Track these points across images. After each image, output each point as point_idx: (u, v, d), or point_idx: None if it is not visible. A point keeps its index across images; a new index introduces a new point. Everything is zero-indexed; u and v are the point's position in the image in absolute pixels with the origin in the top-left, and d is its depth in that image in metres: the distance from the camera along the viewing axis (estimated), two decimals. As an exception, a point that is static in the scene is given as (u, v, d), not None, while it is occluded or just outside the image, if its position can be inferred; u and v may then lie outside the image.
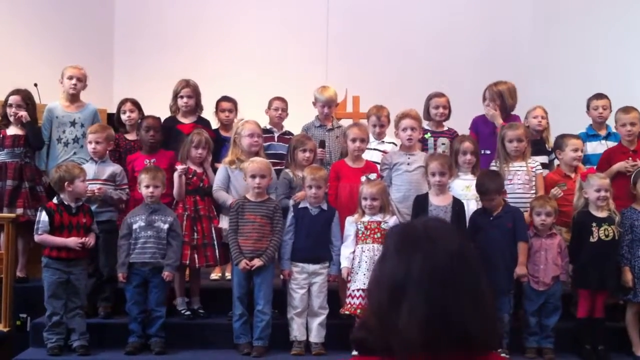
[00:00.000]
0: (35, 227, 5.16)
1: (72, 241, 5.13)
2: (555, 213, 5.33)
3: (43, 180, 5.92)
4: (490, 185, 5.25)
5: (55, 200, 5.23)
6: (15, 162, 5.83)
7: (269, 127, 6.33)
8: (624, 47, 8.48)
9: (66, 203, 5.20)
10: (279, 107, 6.33)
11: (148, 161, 5.74)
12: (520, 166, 5.67)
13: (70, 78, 6.08)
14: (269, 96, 6.50)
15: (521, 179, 5.64)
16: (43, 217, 5.14)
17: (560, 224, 5.54)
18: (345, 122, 6.64)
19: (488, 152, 5.93)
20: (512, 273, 5.20)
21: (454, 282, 1.40)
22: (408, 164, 5.65)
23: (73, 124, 6.07)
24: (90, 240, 5.20)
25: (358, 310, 5.11)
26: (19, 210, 5.75)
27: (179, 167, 5.47)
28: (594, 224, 5.31)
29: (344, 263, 5.23)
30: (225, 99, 6.44)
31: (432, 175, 5.31)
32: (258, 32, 9.02)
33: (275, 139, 6.26)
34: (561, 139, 5.89)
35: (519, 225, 5.27)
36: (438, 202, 5.32)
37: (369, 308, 1.46)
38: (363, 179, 5.35)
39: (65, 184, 5.16)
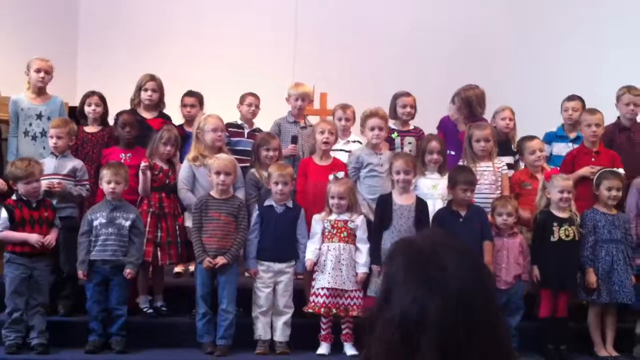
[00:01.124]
0: None
1: (33, 237, 5.04)
2: (516, 213, 5.38)
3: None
4: (459, 177, 5.28)
5: (14, 197, 5.12)
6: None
7: (239, 122, 6.26)
8: (595, 47, 8.56)
9: (25, 198, 5.09)
10: (252, 103, 6.27)
11: (123, 155, 5.66)
12: (487, 166, 5.70)
13: (38, 71, 5.94)
14: (236, 93, 6.43)
15: (488, 179, 5.66)
16: (2, 213, 5.06)
17: (521, 223, 5.57)
18: (313, 120, 6.60)
19: (453, 152, 5.95)
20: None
21: (471, 323, 1.28)
22: (381, 165, 5.62)
23: (39, 116, 5.94)
24: (50, 239, 5.10)
25: (322, 309, 5.11)
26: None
27: (143, 163, 5.39)
28: (555, 224, 5.36)
29: (309, 256, 5.21)
30: (188, 93, 6.43)
31: (396, 174, 5.30)
32: (225, 28, 8.92)
33: (245, 136, 6.19)
34: (521, 142, 5.97)
35: (485, 225, 5.32)
36: (402, 202, 5.31)
37: (378, 347, 1.31)
38: (331, 177, 5.32)
39: (11, 182, 5.06)
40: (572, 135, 6.34)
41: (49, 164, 5.41)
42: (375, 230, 5.28)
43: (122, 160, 5.56)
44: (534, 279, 5.37)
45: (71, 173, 5.50)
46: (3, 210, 5.06)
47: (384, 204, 5.34)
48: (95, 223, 5.18)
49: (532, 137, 5.98)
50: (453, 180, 5.33)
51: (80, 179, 5.54)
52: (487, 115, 6.27)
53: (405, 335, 1.27)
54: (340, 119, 6.10)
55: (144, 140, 5.71)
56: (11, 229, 5.05)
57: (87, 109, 6.03)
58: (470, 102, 6.07)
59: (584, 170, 5.79)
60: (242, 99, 6.32)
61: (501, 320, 1.37)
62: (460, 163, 5.72)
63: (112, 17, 9.02)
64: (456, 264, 1.33)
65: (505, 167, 5.80)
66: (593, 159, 5.87)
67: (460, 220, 5.26)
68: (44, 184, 5.28)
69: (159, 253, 5.41)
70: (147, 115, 6.12)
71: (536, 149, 5.83)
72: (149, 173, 5.42)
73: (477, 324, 1.29)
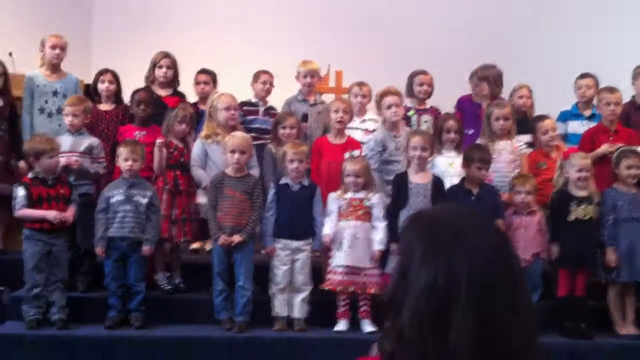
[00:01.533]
0: (13, 203, 5.08)
1: (51, 214, 5.06)
2: (535, 191, 5.37)
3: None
4: (475, 155, 5.26)
5: (30, 175, 5.13)
6: (-12, 134, 5.68)
7: (254, 100, 6.24)
8: (611, 26, 8.50)
9: (41, 176, 5.10)
10: (267, 81, 6.24)
11: (138, 133, 5.66)
12: (506, 145, 5.67)
13: (54, 47, 5.94)
14: (250, 71, 6.41)
15: (506, 157, 5.64)
16: (20, 192, 5.07)
17: (538, 202, 5.56)
18: (327, 98, 6.59)
19: (471, 131, 5.93)
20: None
21: (499, 289, 1.26)
22: (398, 148, 5.58)
23: (55, 93, 5.93)
24: (68, 215, 5.12)
25: (338, 287, 5.11)
26: (-10, 183, 5.61)
27: (158, 141, 5.38)
28: (572, 203, 5.34)
29: (326, 231, 5.19)
30: (202, 71, 6.41)
31: (413, 150, 5.27)
32: (239, 6, 8.88)
33: (260, 114, 6.17)
34: (534, 122, 5.95)
35: (497, 203, 5.31)
36: (418, 180, 5.29)
37: (412, 320, 1.27)
38: (347, 155, 5.31)
39: (31, 159, 5.06)
40: (587, 113, 6.33)
41: (65, 141, 5.41)
42: (392, 208, 5.27)
43: (137, 138, 5.56)
44: (551, 257, 5.36)
45: (87, 150, 5.51)
46: (21, 188, 5.08)
47: (400, 182, 5.31)
48: (113, 200, 5.19)
49: (544, 117, 5.96)
50: (468, 158, 5.31)
51: (96, 156, 5.55)
52: (504, 94, 6.25)
53: (437, 306, 1.24)
54: (356, 96, 6.09)
55: (159, 118, 5.71)
56: (29, 206, 5.06)
57: (100, 86, 6.03)
58: (488, 80, 6.05)
59: (603, 149, 5.76)
60: (256, 76, 6.29)
61: (525, 282, 1.35)
62: (479, 141, 5.70)
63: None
64: (476, 229, 1.32)
65: (524, 146, 5.79)
66: (611, 138, 5.84)
67: (472, 198, 5.25)
68: (62, 160, 5.29)
69: (174, 230, 5.41)
70: (161, 92, 6.13)
71: (548, 129, 5.80)
72: (164, 150, 5.42)
73: (507, 286, 1.27)
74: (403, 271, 1.31)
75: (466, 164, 5.32)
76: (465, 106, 6.19)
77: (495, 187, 5.41)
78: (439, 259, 1.27)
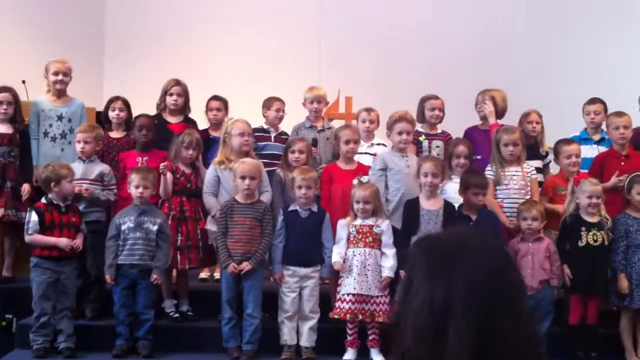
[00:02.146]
0: (25, 227, 5.10)
1: (63, 242, 5.08)
2: (542, 217, 5.30)
3: (35, 178, 5.77)
4: (471, 181, 5.24)
5: (43, 200, 5.15)
6: (-1, 160, 5.72)
7: (265, 127, 6.26)
8: (621, 48, 8.47)
9: (55, 202, 5.13)
10: (280, 108, 6.26)
11: (141, 159, 5.69)
12: (516, 171, 5.63)
13: (56, 74, 5.99)
14: (261, 98, 6.42)
15: (517, 184, 5.60)
16: (33, 217, 5.08)
17: (553, 227, 5.50)
18: (337, 123, 6.60)
19: (479, 157, 5.90)
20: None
21: (498, 302, 1.27)
22: (408, 166, 5.57)
23: (60, 118, 5.97)
24: (78, 243, 5.14)
25: (348, 315, 5.07)
26: (1, 210, 5.63)
27: (162, 165, 5.40)
28: (583, 228, 5.29)
29: (336, 258, 5.15)
30: (214, 98, 6.40)
31: (424, 176, 5.25)
32: (250, 33, 8.95)
33: (272, 139, 6.18)
34: (557, 145, 5.90)
35: (496, 229, 5.25)
36: (429, 207, 5.26)
37: (413, 337, 1.29)
38: (355, 181, 5.29)
39: (52, 184, 5.09)
40: (596, 137, 6.29)
41: (77, 168, 5.44)
42: (403, 235, 5.23)
43: (140, 164, 5.58)
44: (564, 281, 5.29)
45: (98, 178, 5.54)
46: (33, 213, 5.09)
47: (411, 209, 5.28)
48: (123, 227, 5.20)
49: (570, 141, 5.92)
50: (465, 184, 5.28)
51: (107, 183, 5.57)
52: (514, 119, 6.22)
53: (435, 324, 1.26)
54: (364, 121, 6.12)
55: (166, 145, 5.73)
56: (40, 232, 5.07)
57: (111, 114, 6.07)
58: (493, 99, 6.07)
59: (612, 182, 5.70)
60: (269, 103, 6.28)
61: (526, 305, 1.34)
62: (489, 167, 5.67)
63: (138, 23, 9.08)
64: (478, 250, 1.33)
65: (535, 172, 5.74)
66: (622, 163, 5.79)
67: (471, 224, 5.20)
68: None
69: (178, 257, 5.41)
70: (172, 119, 6.14)
71: (572, 154, 5.74)
72: (169, 175, 5.43)
73: (504, 307, 1.27)
74: (406, 292, 1.34)
75: (463, 189, 5.29)
76: (473, 137, 6.14)
77: (493, 212, 5.38)
78: (439, 278, 1.29)
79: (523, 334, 1.29)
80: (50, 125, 5.95)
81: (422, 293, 1.30)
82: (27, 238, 5.11)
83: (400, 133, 5.60)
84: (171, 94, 6.12)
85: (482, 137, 6.05)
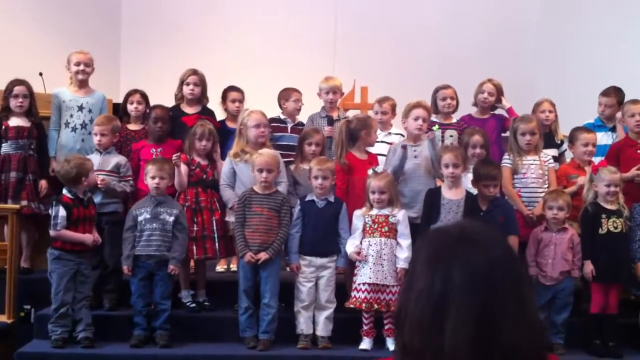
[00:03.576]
0: (53, 222, 5.06)
1: (89, 239, 5.14)
2: (569, 207, 5.26)
3: (53, 170, 5.79)
4: (481, 171, 5.21)
5: (69, 194, 5.14)
6: (20, 153, 5.74)
7: (282, 117, 6.25)
8: (636, 38, 8.38)
9: (80, 196, 5.16)
10: (298, 99, 6.24)
11: (154, 150, 5.70)
12: (534, 160, 5.60)
13: (78, 64, 6.02)
14: (276, 88, 6.41)
15: (535, 173, 5.58)
16: (61, 212, 5.06)
17: (570, 217, 5.47)
18: (352, 114, 6.57)
19: None
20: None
21: (497, 292, 1.28)
22: (415, 156, 5.57)
23: (81, 108, 6.00)
24: (99, 238, 5.22)
25: (363, 305, 5.07)
26: (23, 202, 5.67)
27: (175, 156, 5.40)
28: (603, 216, 5.26)
29: (351, 249, 5.15)
30: (234, 88, 6.33)
31: (445, 167, 5.23)
32: (266, 24, 8.95)
33: (289, 130, 6.17)
34: (573, 132, 5.85)
35: (510, 219, 5.22)
36: (451, 196, 5.24)
37: (409, 328, 1.31)
38: (370, 172, 5.28)
39: (83, 178, 5.11)
40: (610, 124, 6.25)
41: (94, 160, 5.45)
42: (423, 224, 5.21)
43: (154, 155, 5.60)
44: (587, 276, 5.24)
45: (115, 169, 5.56)
46: (61, 208, 5.08)
47: (433, 198, 5.27)
48: (140, 218, 5.22)
49: (588, 130, 5.88)
50: (476, 175, 5.26)
51: (124, 174, 5.59)
52: (528, 108, 6.19)
53: (434, 311, 1.27)
54: (377, 113, 6.12)
55: (181, 137, 5.74)
56: (66, 227, 5.09)
57: (129, 107, 6.10)
58: (500, 87, 6.04)
59: (631, 174, 5.65)
60: (287, 95, 6.26)
61: (531, 299, 1.35)
62: (506, 156, 5.63)
63: (155, 14, 9.12)
64: (482, 235, 1.35)
65: (552, 161, 5.71)
66: (638, 151, 5.73)
67: (481, 214, 5.18)
68: (89, 179, 5.35)
69: (194, 247, 5.42)
70: (189, 110, 6.12)
71: (590, 143, 5.70)
72: (183, 167, 5.43)
73: (507, 298, 1.28)
74: (410, 282, 1.36)
75: (474, 181, 5.27)
76: (468, 125, 6.13)
77: (507, 201, 5.36)
78: (439, 266, 1.30)
79: (525, 327, 1.28)
80: (71, 116, 5.98)
81: (422, 283, 1.31)
82: (54, 233, 5.08)
83: (416, 119, 5.58)
84: (188, 84, 6.10)
85: (479, 126, 6.01)
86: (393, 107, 6.13)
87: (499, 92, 6.19)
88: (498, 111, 6.37)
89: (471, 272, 1.28)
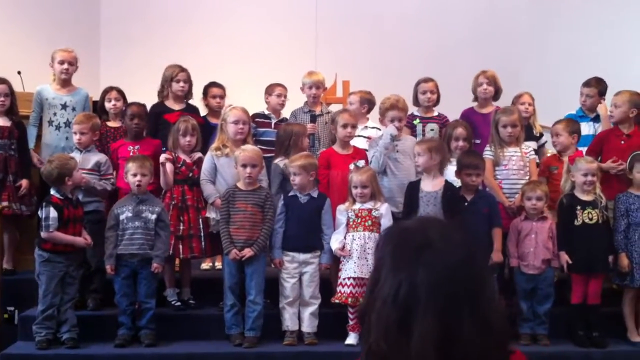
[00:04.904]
0: (44, 223, 4.99)
1: (81, 241, 5.11)
2: (547, 197, 5.32)
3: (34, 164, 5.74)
4: (464, 161, 5.24)
5: (57, 195, 5.09)
6: (0, 154, 5.68)
7: (266, 113, 6.23)
8: (619, 30, 8.44)
9: (69, 196, 5.11)
10: (282, 94, 6.23)
11: (132, 148, 5.66)
12: (515, 152, 5.62)
13: (62, 62, 5.98)
14: (258, 84, 6.42)
15: (516, 164, 5.60)
16: (52, 213, 5.00)
17: (549, 208, 5.50)
18: (335, 108, 6.57)
19: (478, 141, 5.89)
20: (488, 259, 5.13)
21: (458, 296, 1.28)
22: (397, 151, 5.58)
23: (64, 107, 5.96)
24: (90, 240, 5.18)
25: (349, 299, 5.07)
26: (4, 203, 5.60)
27: (163, 156, 5.36)
28: (578, 207, 5.29)
29: (335, 246, 5.15)
30: (214, 84, 6.35)
31: (415, 158, 5.28)
32: (246, 18, 8.91)
33: (272, 126, 6.16)
34: (554, 125, 5.86)
35: (493, 210, 5.26)
36: (428, 189, 5.25)
37: (375, 331, 1.31)
38: (351, 166, 5.27)
39: (66, 178, 5.07)
40: (592, 115, 6.27)
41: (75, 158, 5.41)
42: (403, 218, 5.22)
43: (132, 153, 5.56)
44: (562, 265, 5.29)
45: (95, 167, 5.52)
46: (52, 209, 5.02)
47: (411, 191, 5.28)
48: (122, 217, 5.19)
49: (569, 120, 5.93)
50: (459, 165, 5.28)
51: (104, 173, 5.55)
52: (507, 101, 6.19)
53: (400, 316, 1.27)
54: (351, 104, 6.16)
55: (164, 134, 5.70)
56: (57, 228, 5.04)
57: (107, 104, 6.08)
58: (494, 78, 6.06)
59: (607, 166, 5.65)
60: (271, 89, 6.26)
61: (491, 293, 1.36)
62: (487, 148, 5.64)
63: (135, 11, 9.03)
64: (443, 239, 1.34)
65: (533, 152, 5.74)
66: (622, 142, 5.74)
67: (466, 204, 5.20)
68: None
69: (180, 246, 5.39)
70: (175, 106, 6.09)
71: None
72: (169, 165, 5.40)
73: (472, 296, 1.29)
74: (375, 281, 1.35)
75: (457, 170, 5.29)
76: (470, 118, 6.12)
77: (490, 194, 5.39)
78: (404, 270, 1.30)
79: (485, 329, 1.29)
80: (55, 114, 5.95)
81: (387, 288, 1.30)
82: (46, 235, 5.01)
83: (392, 120, 5.56)
84: (178, 81, 6.07)
85: (481, 120, 6.02)
86: (362, 100, 6.12)
87: (495, 81, 6.13)
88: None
89: (434, 278, 1.28)
